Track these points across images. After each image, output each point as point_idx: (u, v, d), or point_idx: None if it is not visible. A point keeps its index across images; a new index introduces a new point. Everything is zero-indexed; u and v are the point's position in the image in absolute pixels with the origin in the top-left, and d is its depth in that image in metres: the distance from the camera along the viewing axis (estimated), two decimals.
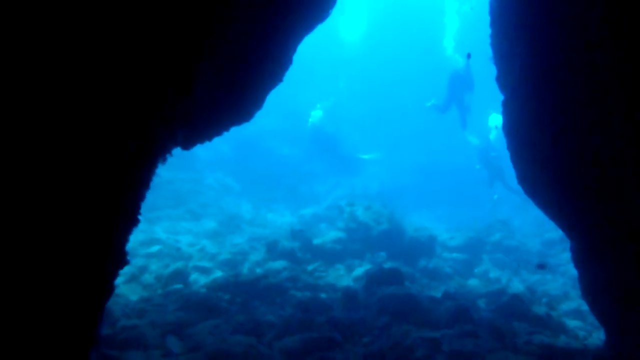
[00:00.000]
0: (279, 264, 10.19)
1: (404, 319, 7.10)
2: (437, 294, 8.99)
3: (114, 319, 6.56)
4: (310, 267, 10.56)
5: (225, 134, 5.35)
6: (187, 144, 4.15)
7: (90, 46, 2.00)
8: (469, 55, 13.83)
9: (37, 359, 1.91)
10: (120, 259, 2.32)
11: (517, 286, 11.16)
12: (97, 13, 1.97)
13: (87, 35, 1.98)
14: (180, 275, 9.21)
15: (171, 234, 13.66)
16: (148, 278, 9.28)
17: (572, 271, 11.05)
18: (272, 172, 22.39)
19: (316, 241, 11.77)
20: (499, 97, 6.32)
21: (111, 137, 2.09)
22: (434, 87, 19.98)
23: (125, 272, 9.24)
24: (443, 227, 17.27)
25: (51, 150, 1.92)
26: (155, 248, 11.55)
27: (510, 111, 5.94)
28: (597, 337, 7.89)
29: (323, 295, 8.68)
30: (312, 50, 14.16)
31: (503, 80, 6.22)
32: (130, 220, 2.33)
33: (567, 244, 11.47)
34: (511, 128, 5.86)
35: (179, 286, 8.75)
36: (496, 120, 17.39)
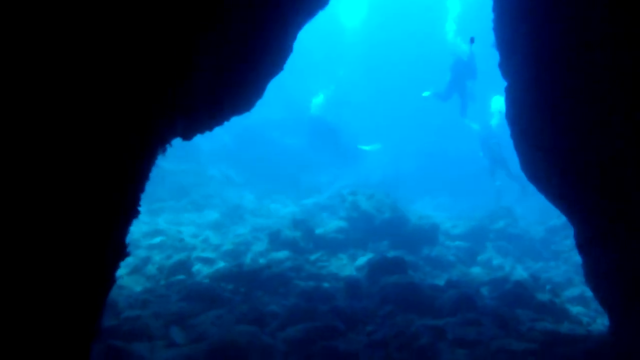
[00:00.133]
0: (281, 254, 10.20)
1: (407, 307, 7.10)
2: (440, 282, 9.00)
3: (118, 310, 6.58)
4: (313, 257, 10.56)
5: (227, 125, 5.32)
6: (187, 134, 4.12)
7: (88, 33, 1.97)
8: (472, 40, 13.66)
9: (39, 352, 1.90)
10: (121, 250, 2.31)
11: (520, 273, 11.16)
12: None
13: (84, 22, 1.95)
14: (183, 266, 9.21)
15: (174, 225, 13.67)
16: (151, 269, 9.30)
17: (576, 258, 11.09)
18: (274, 162, 22.35)
19: (318, 231, 11.77)
20: (501, 81, 6.27)
21: (109, 126, 2.06)
22: (435, 73, 19.86)
23: (128, 263, 9.27)
24: (446, 216, 17.26)
25: (49, 139, 1.90)
26: (158, 239, 11.57)
27: (513, 97, 5.90)
28: (601, 322, 7.90)
29: (326, 285, 8.68)
30: (312, 37, 14.06)
31: (506, 67, 6.17)
32: (130, 211, 2.31)
33: (570, 231, 11.43)
34: (514, 114, 5.82)
35: (182, 277, 8.76)
36: (499, 102, 17.27)
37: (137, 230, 11.99)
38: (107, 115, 2.07)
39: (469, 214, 17.10)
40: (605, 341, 5.80)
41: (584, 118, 4.63)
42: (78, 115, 1.97)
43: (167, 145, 3.11)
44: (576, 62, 4.50)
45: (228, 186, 19.73)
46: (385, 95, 32.40)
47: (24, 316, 1.86)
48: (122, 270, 8.73)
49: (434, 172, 24.08)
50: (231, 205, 16.86)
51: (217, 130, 5.35)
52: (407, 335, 6.02)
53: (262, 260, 10.16)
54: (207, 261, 10.19)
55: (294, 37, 4.85)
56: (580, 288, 9.87)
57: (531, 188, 6.50)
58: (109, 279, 2.23)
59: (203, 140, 20.46)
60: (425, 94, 17.85)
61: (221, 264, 9.88)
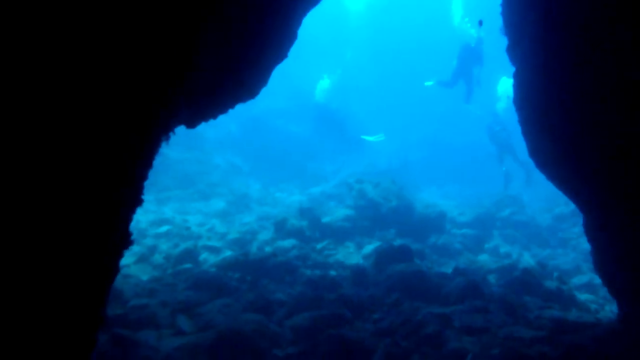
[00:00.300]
0: (288, 243, 10.19)
1: (414, 295, 7.09)
2: (447, 270, 8.97)
3: (124, 298, 6.60)
4: (319, 245, 10.55)
5: (233, 113, 5.28)
6: (191, 122, 4.08)
7: (88, 17, 1.93)
8: (480, 23, 13.46)
9: (43, 342, 1.89)
10: (125, 238, 2.28)
11: (527, 261, 11.11)
12: None
13: (86, 6, 1.91)
14: (189, 255, 9.23)
15: (180, 214, 13.69)
16: (158, 258, 9.32)
17: (583, 245, 11.04)
18: (280, 150, 22.32)
19: (325, 219, 11.74)
20: (509, 63, 6.19)
21: (111, 114, 2.03)
22: (441, 57, 19.68)
23: (135, 252, 9.30)
24: (453, 204, 17.18)
25: (51, 127, 1.86)
26: (164, 228, 11.59)
27: (521, 83, 5.81)
28: (609, 310, 7.86)
29: (332, 273, 8.68)
30: (317, 22, 13.91)
31: (514, 52, 6.08)
32: (133, 199, 2.28)
33: (577, 218, 11.37)
34: (522, 100, 5.74)
35: (188, 266, 8.78)
36: (506, 85, 17.08)
37: (143, 219, 12.03)
38: (109, 102, 2.04)
39: (476, 201, 17.03)
40: (614, 328, 5.76)
41: (594, 103, 4.55)
42: (80, 102, 1.94)
43: (171, 133, 3.07)
44: (585, 47, 4.42)
45: (234, 175, 19.73)
46: (391, 82, 32.20)
47: (28, 304, 1.84)
48: (129, 259, 8.77)
49: (441, 160, 23.97)
50: (237, 194, 16.86)
51: (223, 118, 5.32)
52: (413, 323, 6.01)
53: (268, 249, 10.16)
54: (213, 250, 10.20)
55: (298, 24, 4.78)
56: (588, 275, 9.82)
57: (537, 175, 6.43)
58: (113, 268, 2.21)
59: (208, 129, 20.53)
60: (428, 83, 17.70)
61: (227, 253, 9.88)
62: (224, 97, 4.14)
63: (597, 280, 8.52)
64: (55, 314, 1.92)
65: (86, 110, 1.94)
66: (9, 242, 1.74)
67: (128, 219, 2.30)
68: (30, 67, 1.79)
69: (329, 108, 20.46)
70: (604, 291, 8.45)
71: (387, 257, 8.55)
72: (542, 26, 4.95)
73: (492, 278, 8.93)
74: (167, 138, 2.88)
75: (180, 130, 5.22)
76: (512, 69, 6.14)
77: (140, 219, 11.93)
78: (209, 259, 9.59)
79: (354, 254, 10.33)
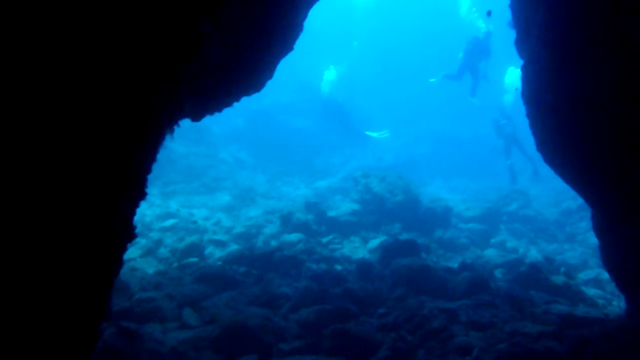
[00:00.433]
0: (293, 237, 10.18)
1: (420, 290, 7.06)
2: (454, 264, 8.93)
3: (130, 292, 6.62)
4: (325, 240, 10.54)
5: (239, 107, 5.25)
6: (196, 115, 4.06)
7: (92, 5, 1.90)
8: (489, 13, 13.32)
9: (45, 335, 1.87)
10: (128, 232, 2.26)
11: (534, 255, 11.06)
12: None
13: None
14: (195, 249, 9.24)
15: (186, 208, 13.71)
16: (164, 252, 9.35)
17: (591, 240, 10.97)
18: (286, 145, 22.32)
19: (331, 213, 11.73)
20: (515, 54, 6.13)
21: (112, 105, 2.00)
22: (447, 49, 19.51)
23: (141, 245, 9.32)
24: (459, 198, 17.13)
25: (51, 118, 1.84)
26: (170, 222, 11.62)
27: (529, 76, 5.75)
28: (617, 305, 7.81)
29: (338, 267, 8.66)
30: (322, 15, 13.82)
31: (522, 45, 6.01)
32: (136, 192, 2.26)
33: (585, 213, 11.27)
34: (530, 93, 5.68)
35: (194, 259, 8.79)
36: (514, 75, 16.93)
37: (149, 212, 12.06)
38: (111, 94, 2.01)
39: (483, 195, 16.96)
40: (622, 324, 5.70)
41: (603, 97, 4.49)
42: (82, 93, 1.91)
43: (176, 127, 3.05)
44: (594, 41, 4.36)
45: (239, 169, 19.75)
46: (397, 75, 32.06)
47: (30, 297, 1.82)
48: (135, 253, 8.78)
49: (447, 154, 23.87)
50: (243, 187, 16.88)
51: (229, 112, 5.29)
52: (419, 317, 5.98)
53: (274, 243, 10.16)
54: (219, 244, 10.21)
55: (304, 15, 4.74)
56: (595, 270, 9.75)
57: (544, 169, 6.36)
58: (117, 261, 2.19)
59: (215, 123, 20.56)
60: (433, 80, 17.58)
61: (233, 247, 9.89)
62: (229, 89, 4.11)
63: (605, 275, 8.47)
64: (58, 307, 1.90)
65: (88, 102, 1.92)
66: (9, 236, 1.72)
67: (131, 212, 2.28)
68: (32, 54, 1.77)
69: (335, 102, 20.35)
70: (611, 286, 8.40)
71: (393, 251, 8.52)
72: (551, 19, 4.89)
73: (498, 273, 8.89)
74: (172, 131, 2.86)
75: (186, 124, 5.20)
76: (520, 60, 6.07)
77: (146, 212, 11.95)
78: (214, 253, 9.61)
79: (359, 248, 10.31)
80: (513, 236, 12.64)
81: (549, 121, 5.46)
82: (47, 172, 1.83)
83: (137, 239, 9.52)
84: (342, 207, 12.33)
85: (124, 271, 7.31)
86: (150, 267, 8.23)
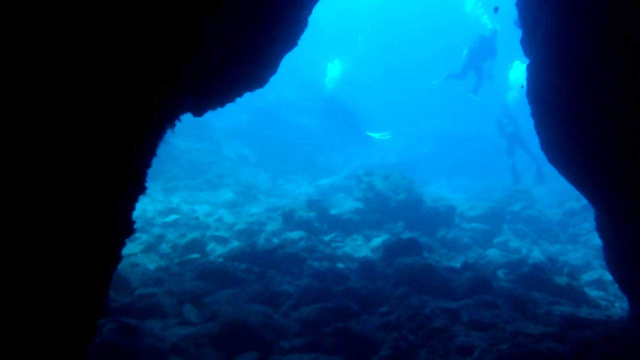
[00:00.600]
0: (295, 234, 10.15)
1: (422, 289, 7.03)
2: (456, 264, 8.89)
3: (131, 287, 6.60)
4: (327, 238, 10.51)
5: (242, 104, 5.22)
6: (198, 110, 4.03)
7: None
8: (496, 9, 13.25)
9: (40, 330, 1.85)
10: (127, 227, 2.23)
11: (537, 256, 11.01)
12: None
13: None
14: (197, 245, 9.23)
15: (188, 204, 13.70)
16: (165, 247, 9.33)
17: (594, 241, 10.93)
18: (289, 142, 22.29)
19: (333, 211, 11.70)
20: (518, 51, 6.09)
21: (111, 99, 1.97)
22: (452, 46, 19.43)
23: (142, 241, 9.32)
24: (462, 197, 17.08)
25: (49, 113, 1.81)
26: (172, 217, 11.60)
27: (534, 76, 5.71)
28: (620, 307, 7.76)
29: (340, 266, 8.64)
30: (328, 12, 13.78)
31: (528, 44, 5.97)
32: (135, 187, 2.23)
33: (588, 214, 11.22)
34: (535, 92, 5.63)
35: (196, 255, 8.78)
36: (519, 70, 16.85)
37: (151, 208, 12.05)
38: (109, 87, 1.99)
39: (486, 195, 16.90)
40: (625, 326, 5.67)
41: (608, 98, 4.46)
42: (79, 86, 1.88)
43: (177, 121, 3.01)
44: (599, 42, 4.32)
45: (242, 165, 19.74)
46: (400, 75, 32.00)
47: (26, 292, 1.80)
48: (136, 248, 8.77)
49: (450, 153, 23.81)
50: (245, 184, 16.86)
51: (233, 109, 5.26)
52: (421, 317, 5.95)
53: (275, 240, 10.14)
54: (221, 240, 10.19)
55: (309, 11, 4.70)
56: (598, 272, 9.71)
57: (548, 170, 6.32)
58: (115, 256, 2.16)
59: (218, 120, 20.56)
60: (435, 82, 17.51)
61: (235, 243, 9.87)
62: (232, 84, 4.08)
63: (608, 276, 8.42)
64: (53, 301, 1.88)
65: (86, 96, 1.89)
66: (4, 230, 1.69)
67: (130, 207, 2.26)
68: (30, 47, 1.74)
69: (338, 100, 20.32)
70: (614, 288, 8.35)
71: (396, 250, 8.49)
72: (556, 19, 4.85)
73: (501, 273, 8.85)
74: (173, 126, 2.82)
75: (190, 120, 5.17)
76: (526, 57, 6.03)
77: (148, 208, 11.95)
78: (216, 250, 9.59)
79: (362, 247, 10.28)
80: (516, 236, 12.59)
81: (553, 121, 5.42)
82: (46, 166, 1.80)
83: (139, 235, 9.55)
84: (345, 205, 12.30)
85: (125, 267, 7.30)
86: (151, 263, 8.22)
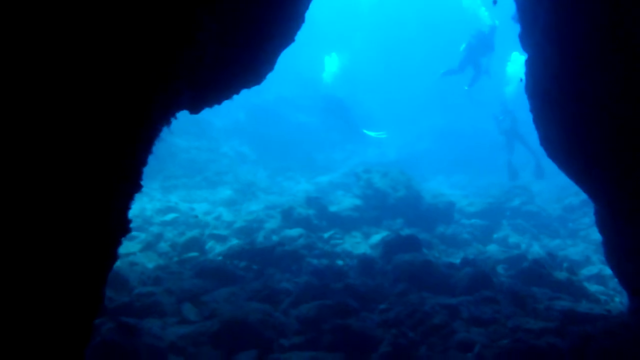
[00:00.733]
0: (294, 232, 10.13)
1: (422, 285, 7.02)
2: (456, 260, 8.89)
3: (130, 286, 6.58)
4: (326, 235, 10.50)
5: (241, 101, 5.20)
6: (194, 107, 3.99)
7: None
8: (494, 2, 13.22)
9: (36, 330, 1.83)
10: (122, 226, 2.21)
11: (537, 251, 11.01)
12: None
13: None
14: (196, 243, 9.21)
15: (187, 202, 13.67)
16: (164, 246, 9.31)
17: (593, 236, 10.92)
18: (288, 139, 22.26)
19: (332, 208, 11.68)
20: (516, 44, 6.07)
21: (105, 95, 1.95)
22: (450, 41, 19.38)
23: (141, 240, 9.29)
24: (461, 194, 17.07)
25: (45, 109, 1.79)
26: (171, 216, 11.58)
27: (533, 70, 5.68)
28: (619, 301, 7.76)
29: (339, 263, 8.63)
30: (324, 7, 13.74)
31: (526, 39, 5.94)
32: (130, 185, 2.20)
33: (587, 209, 11.21)
34: (534, 88, 5.61)
35: (194, 254, 8.76)
36: (518, 61, 16.79)
37: (149, 206, 12.02)
38: (104, 83, 1.96)
39: (485, 191, 16.88)
40: (624, 321, 5.66)
41: (607, 93, 4.43)
42: (71, 82, 1.86)
43: (173, 119, 2.99)
44: (598, 37, 4.30)
45: (241, 163, 19.70)
46: (399, 71, 31.95)
47: (22, 291, 1.78)
48: (135, 247, 8.75)
49: (449, 150, 23.78)
50: (244, 182, 16.82)
51: (231, 106, 5.23)
52: (421, 313, 5.94)
53: (275, 238, 10.11)
54: (219, 238, 10.17)
55: (306, 6, 4.66)
56: (598, 266, 9.71)
57: (547, 165, 6.30)
58: (111, 255, 2.14)
59: (216, 117, 20.50)
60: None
61: (234, 241, 9.85)
62: (228, 80, 4.05)
63: (607, 271, 8.41)
64: (50, 301, 1.86)
65: (78, 91, 1.86)
66: (5, 227, 1.67)
67: (126, 206, 2.23)
68: (26, 45, 1.71)
69: (336, 97, 20.28)
70: (613, 282, 8.35)
71: (395, 246, 8.48)
72: (555, 15, 4.82)
73: (500, 268, 8.84)
74: (169, 123, 2.80)
75: (188, 118, 5.13)
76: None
77: (146, 206, 11.92)
78: (215, 248, 9.57)
79: (361, 244, 10.26)
80: (515, 232, 12.59)
81: (552, 117, 5.40)
82: (39, 164, 1.78)
83: (137, 233, 9.52)
84: (344, 202, 12.28)
85: (124, 266, 7.28)
86: (150, 262, 8.19)
